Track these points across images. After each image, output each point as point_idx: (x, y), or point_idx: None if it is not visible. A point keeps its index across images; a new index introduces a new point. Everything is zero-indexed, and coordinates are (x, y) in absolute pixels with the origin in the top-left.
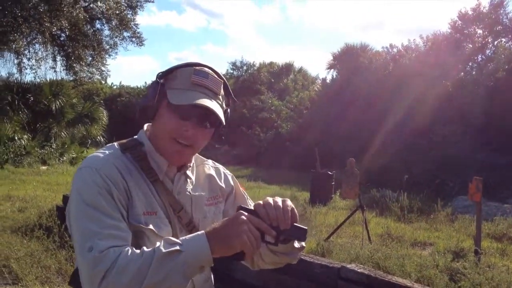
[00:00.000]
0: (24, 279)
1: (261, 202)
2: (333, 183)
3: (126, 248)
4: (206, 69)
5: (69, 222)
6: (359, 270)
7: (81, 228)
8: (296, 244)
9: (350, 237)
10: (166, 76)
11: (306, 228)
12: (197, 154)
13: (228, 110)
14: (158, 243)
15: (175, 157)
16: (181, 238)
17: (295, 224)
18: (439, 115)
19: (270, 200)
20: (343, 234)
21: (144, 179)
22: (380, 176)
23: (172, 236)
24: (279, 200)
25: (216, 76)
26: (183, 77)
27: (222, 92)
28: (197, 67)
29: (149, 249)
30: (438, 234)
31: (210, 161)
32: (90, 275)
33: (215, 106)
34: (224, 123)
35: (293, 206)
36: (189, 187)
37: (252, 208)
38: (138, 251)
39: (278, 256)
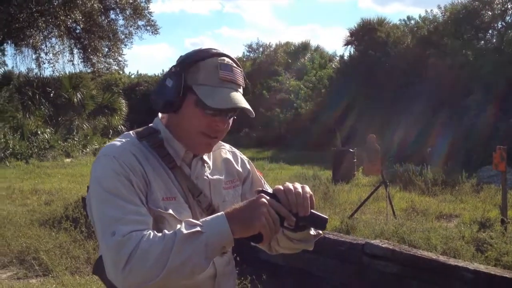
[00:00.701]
0: (54, 270)
1: (281, 187)
2: (355, 160)
3: (148, 232)
4: (227, 59)
5: (90, 211)
6: (383, 245)
7: (103, 215)
8: (312, 232)
9: (374, 213)
10: (187, 69)
11: (326, 217)
12: None
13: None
14: (178, 226)
15: (203, 149)
16: (201, 220)
17: (313, 211)
18: (460, 86)
19: (290, 185)
20: (367, 211)
21: (161, 165)
22: (403, 151)
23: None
24: (298, 186)
25: (236, 67)
26: (209, 71)
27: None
28: (219, 59)
29: (171, 232)
30: (463, 205)
31: (227, 145)
32: (114, 259)
33: (244, 100)
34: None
35: (312, 193)
36: (207, 171)
37: (272, 192)
38: (159, 234)
39: (294, 242)
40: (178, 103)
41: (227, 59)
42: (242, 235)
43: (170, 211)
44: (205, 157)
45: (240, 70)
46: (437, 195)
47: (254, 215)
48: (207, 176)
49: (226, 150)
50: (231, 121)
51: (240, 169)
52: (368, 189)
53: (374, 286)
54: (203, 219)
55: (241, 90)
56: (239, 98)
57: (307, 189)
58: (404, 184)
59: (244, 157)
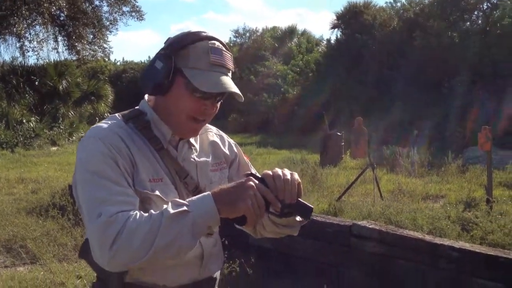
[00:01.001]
0: (42, 257)
1: (270, 172)
2: (343, 143)
3: (135, 212)
4: (218, 43)
5: (76, 194)
6: (370, 226)
7: (89, 197)
8: (298, 218)
9: (361, 195)
10: (177, 51)
11: (311, 206)
12: None
13: None
14: (165, 206)
15: (190, 133)
16: (187, 200)
17: (300, 200)
18: (446, 67)
19: (279, 171)
20: (354, 193)
21: (148, 147)
22: (390, 133)
23: None
24: (287, 172)
25: (226, 51)
26: (199, 55)
27: None
28: (210, 43)
29: (157, 212)
30: (449, 186)
31: (214, 128)
32: (101, 240)
33: (233, 85)
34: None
35: (300, 181)
36: (194, 154)
37: (260, 177)
38: (146, 214)
39: (279, 227)
40: (168, 86)
41: (217, 43)
42: (227, 216)
43: (157, 192)
44: (192, 140)
45: (230, 54)
46: (423, 177)
47: (240, 197)
48: (194, 159)
49: (213, 133)
50: (219, 105)
51: (227, 152)
52: (356, 172)
53: (361, 267)
54: (190, 199)
55: (230, 74)
56: (229, 82)
57: (296, 176)
58: (391, 166)
59: (232, 141)
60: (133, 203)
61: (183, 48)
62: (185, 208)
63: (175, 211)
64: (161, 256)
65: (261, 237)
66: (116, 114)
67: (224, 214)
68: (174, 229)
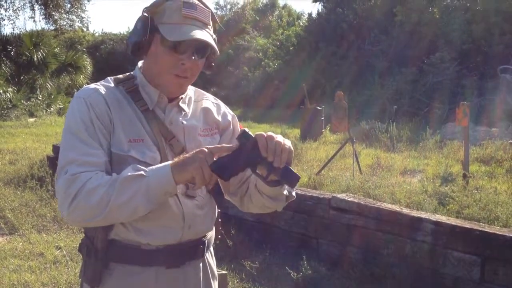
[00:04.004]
0: (21, 228)
1: (264, 133)
2: (323, 118)
3: (97, 173)
4: (193, 0)
5: None
6: (349, 199)
7: (62, 155)
8: (285, 192)
9: (341, 169)
10: (154, 10)
11: (299, 175)
12: (198, 89)
13: (215, 37)
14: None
15: (175, 90)
16: (149, 167)
17: (288, 166)
18: (427, 43)
19: (273, 134)
20: (334, 168)
21: (134, 109)
22: (370, 108)
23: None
24: (280, 137)
25: (203, 6)
26: (173, 11)
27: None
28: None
29: (118, 174)
30: (427, 161)
31: (211, 97)
32: (63, 195)
33: (208, 37)
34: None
35: (292, 149)
36: (183, 117)
37: (253, 136)
38: (108, 176)
39: (264, 198)
40: (146, 44)
41: (193, 0)
42: (183, 181)
43: (132, 153)
44: (184, 104)
45: (208, 10)
46: (402, 152)
47: (191, 160)
48: (182, 122)
49: (210, 101)
50: (201, 63)
51: (220, 119)
52: (336, 146)
53: (341, 239)
54: (151, 166)
55: (208, 29)
56: (200, 33)
57: (288, 143)
58: (370, 141)
59: (229, 111)
60: (99, 165)
61: (159, 6)
62: (141, 172)
63: (132, 174)
64: (117, 214)
65: (248, 210)
66: (109, 77)
67: (181, 180)
68: (128, 190)
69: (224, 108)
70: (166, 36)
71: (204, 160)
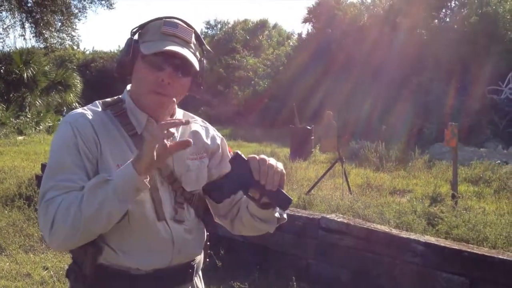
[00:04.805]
0: (7, 248)
1: (256, 156)
2: (313, 137)
3: (68, 193)
4: (176, 20)
5: None
6: (338, 220)
7: (43, 182)
8: (277, 214)
9: (330, 189)
10: (139, 31)
11: (290, 198)
12: (186, 112)
13: (204, 60)
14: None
15: (157, 109)
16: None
17: (280, 189)
18: (415, 63)
19: (265, 157)
20: (324, 187)
21: (122, 134)
22: (359, 128)
23: (152, 188)
24: (273, 160)
25: (185, 26)
26: (154, 29)
27: (194, 41)
28: (167, 19)
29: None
30: (416, 181)
31: (199, 120)
32: (42, 223)
33: (186, 52)
34: (199, 70)
35: (284, 172)
36: (171, 142)
37: (246, 158)
38: (80, 192)
39: (256, 221)
40: (129, 64)
41: (175, 20)
42: (147, 171)
43: None
44: (173, 129)
45: (191, 30)
46: (391, 171)
47: (143, 146)
48: None
49: (198, 124)
50: (183, 81)
51: (208, 142)
52: (325, 166)
53: (330, 259)
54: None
55: (190, 48)
56: (175, 47)
57: (281, 166)
58: (359, 161)
59: (218, 134)
60: (77, 188)
61: (144, 27)
62: (106, 177)
63: (96, 181)
64: (94, 225)
65: (239, 233)
66: (97, 101)
67: (141, 169)
68: (97, 198)
69: (212, 131)
70: (143, 51)
71: (154, 138)
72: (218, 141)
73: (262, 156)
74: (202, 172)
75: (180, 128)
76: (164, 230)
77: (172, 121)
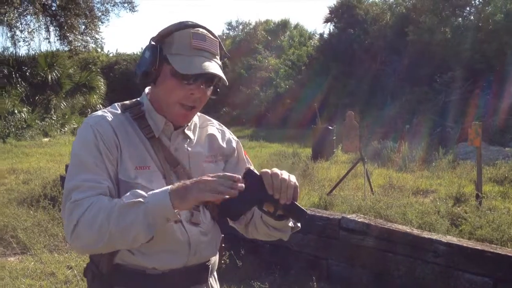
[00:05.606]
0: (33, 248)
1: (268, 170)
2: (334, 137)
3: (99, 197)
4: (202, 30)
5: None
6: (359, 220)
7: (67, 181)
8: (291, 224)
9: (352, 189)
10: (163, 40)
11: (305, 211)
12: (203, 115)
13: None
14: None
15: (181, 119)
16: (149, 192)
17: (295, 202)
18: (439, 62)
19: (278, 171)
20: (345, 187)
21: (140, 136)
22: (382, 128)
23: None
24: (286, 174)
25: (212, 37)
26: (182, 41)
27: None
28: (193, 30)
29: (118, 199)
30: (440, 181)
31: (215, 122)
32: (66, 223)
33: (217, 69)
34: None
35: (298, 185)
36: (188, 144)
37: (258, 174)
38: (108, 201)
39: (270, 229)
40: (155, 74)
41: (201, 30)
42: (180, 208)
43: (139, 180)
44: (188, 131)
45: (216, 40)
46: (414, 171)
47: (190, 189)
48: (187, 149)
49: (214, 127)
50: (209, 92)
51: (224, 146)
52: (347, 166)
53: (351, 260)
54: (152, 191)
55: (216, 59)
56: (210, 65)
57: (294, 179)
58: (382, 161)
59: (234, 137)
60: (102, 189)
61: (168, 36)
62: (140, 199)
63: (130, 201)
64: (118, 241)
65: (252, 237)
66: (116, 104)
67: (178, 207)
68: (127, 218)
69: (228, 134)
70: (177, 69)
71: (203, 191)
72: (234, 144)
73: (275, 170)
74: None
75: (197, 131)
76: (180, 232)
77: (233, 178)
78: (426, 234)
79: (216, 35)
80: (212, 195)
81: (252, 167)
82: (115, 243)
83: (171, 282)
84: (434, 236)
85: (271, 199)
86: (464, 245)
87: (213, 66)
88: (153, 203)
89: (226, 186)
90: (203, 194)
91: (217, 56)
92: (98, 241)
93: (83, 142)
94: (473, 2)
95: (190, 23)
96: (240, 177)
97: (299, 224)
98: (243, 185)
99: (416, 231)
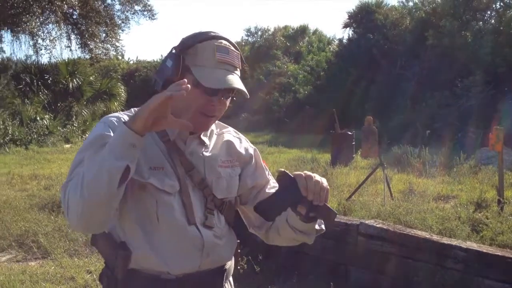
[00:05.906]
0: (53, 252)
1: (302, 173)
2: (353, 143)
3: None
4: (225, 42)
5: None
6: (377, 225)
7: (69, 172)
8: (317, 226)
9: (372, 195)
10: (186, 50)
11: (336, 212)
12: (219, 122)
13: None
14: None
15: (201, 127)
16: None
17: (326, 204)
18: (459, 67)
19: (311, 173)
20: (365, 193)
21: (155, 139)
22: (401, 133)
23: (183, 194)
24: (318, 176)
25: (234, 49)
26: (206, 53)
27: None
28: (217, 42)
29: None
30: (461, 186)
31: (231, 129)
32: (63, 205)
33: (239, 82)
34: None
35: (329, 188)
36: (203, 149)
37: (292, 176)
38: None
39: (296, 233)
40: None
41: (224, 42)
42: (143, 129)
43: (151, 180)
44: (204, 137)
45: (237, 53)
46: (435, 177)
47: (143, 106)
48: (202, 154)
49: (231, 134)
50: (228, 101)
51: (242, 152)
52: (366, 172)
53: (370, 266)
54: None
55: (237, 72)
56: (234, 79)
57: (325, 181)
58: (402, 166)
59: (251, 145)
60: None
61: (191, 47)
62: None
63: (94, 148)
64: (98, 190)
65: (272, 243)
66: (133, 108)
67: (137, 127)
68: (96, 161)
69: (245, 141)
70: (201, 81)
71: (153, 99)
72: (251, 151)
73: (308, 172)
74: (233, 180)
75: (214, 138)
76: (194, 234)
77: (179, 83)
78: (445, 240)
79: (237, 47)
80: (161, 97)
81: (269, 176)
82: (96, 193)
83: (186, 287)
84: (454, 242)
85: (305, 200)
86: (484, 251)
87: (236, 80)
88: (112, 138)
89: (173, 90)
90: (153, 101)
91: (238, 69)
92: (84, 202)
93: (95, 134)
94: (493, 6)
95: (212, 34)
96: (185, 80)
97: (323, 227)
98: (188, 85)
99: (435, 237)
